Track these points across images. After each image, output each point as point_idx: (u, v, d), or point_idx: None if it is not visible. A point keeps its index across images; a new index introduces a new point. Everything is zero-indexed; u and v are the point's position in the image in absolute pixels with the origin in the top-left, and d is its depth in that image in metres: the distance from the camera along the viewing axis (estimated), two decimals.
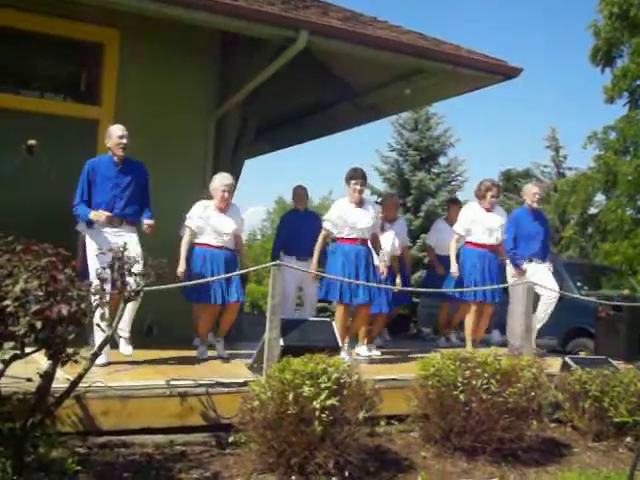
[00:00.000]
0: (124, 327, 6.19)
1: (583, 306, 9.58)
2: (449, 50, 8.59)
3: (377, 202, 9.49)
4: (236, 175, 9.19)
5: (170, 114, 8.38)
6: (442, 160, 25.31)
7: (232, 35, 8.07)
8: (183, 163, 8.44)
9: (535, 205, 8.51)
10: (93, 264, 6.08)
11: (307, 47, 7.54)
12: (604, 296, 9.75)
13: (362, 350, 7.88)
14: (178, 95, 8.52)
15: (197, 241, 6.91)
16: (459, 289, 7.99)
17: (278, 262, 5.89)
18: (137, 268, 4.72)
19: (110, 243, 6.06)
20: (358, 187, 7.16)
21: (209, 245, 6.87)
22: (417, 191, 23.47)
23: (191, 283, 6.47)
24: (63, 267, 4.04)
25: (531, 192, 8.52)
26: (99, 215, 6.23)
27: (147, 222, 6.46)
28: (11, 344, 3.88)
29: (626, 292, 10.15)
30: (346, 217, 7.10)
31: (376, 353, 8.01)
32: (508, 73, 8.93)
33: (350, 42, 7.76)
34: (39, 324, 3.75)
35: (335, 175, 68.70)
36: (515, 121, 78.84)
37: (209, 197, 7.10)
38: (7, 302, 3.74)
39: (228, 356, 6.96)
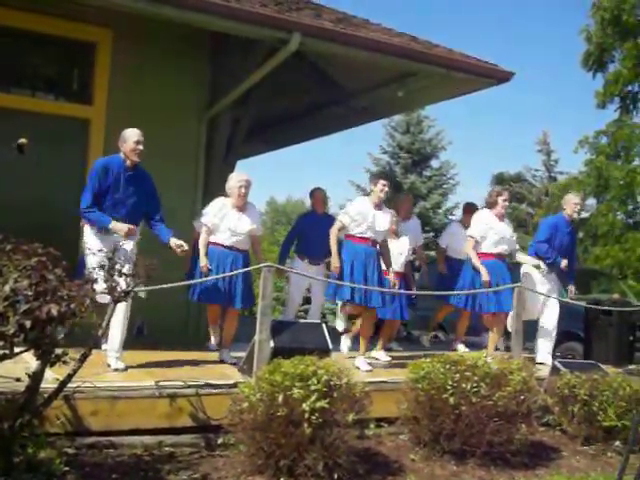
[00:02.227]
0: (114, 341, 6.09)
1: (573, 310, 9.59)
2: (441, 53, 8.61)
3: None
4: (228, 176, 9.19)
5: (161, 114, 8.35)
6: (434, 163, 25.46)
7: (225, 36, 8.06)
8: (174, 164, 8.41)
9: (575, 216, 8.41)
10: (90, 264, 6.02)
11: (299, 49, 7.55)
12: (594, 300, 9.77)
13: (381, 355, 7.91)
14: (170, 95, 8.50)
15: (210, 239, 6.83)
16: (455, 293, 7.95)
17: (269, 263, 5.89)
18: (126, 269, 4.70)
19: (108, 246, 5.93)
20: (385, 189, 7.14)
21: (219, 244, 6.79)
22: (409, 194, 23.55)
23: (185, 283, 6.49)
24: (53, 267, 4.03)
25: (572, 202, 8.39)
26: (121, 229, 6.06)
27: (176, 243, 6.19)
28: (0, 343, 3.87)
29: (616, 296, 10.17)
30: (367, 215, 7.05)
31: (386, 358, 7.98)
32: (500, 77, 8.95)
33: (342, 44, 7.77)
34: (28, 324, 3.74)
35: (329, 176, 68.72)
36: (507, 125, 79.19)
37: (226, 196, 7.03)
38: None
39: (236, 361, 6.70)
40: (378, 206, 7.16)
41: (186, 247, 6.23)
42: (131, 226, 6.14)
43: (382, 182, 7.15)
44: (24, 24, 7.73)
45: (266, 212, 58.02)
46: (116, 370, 6.02)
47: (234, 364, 6.66)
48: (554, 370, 6.85)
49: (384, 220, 7.17)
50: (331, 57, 8.64)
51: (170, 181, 8.14)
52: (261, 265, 5.86)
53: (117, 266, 4.60)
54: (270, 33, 7.44)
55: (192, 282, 6.58)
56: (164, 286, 5.42)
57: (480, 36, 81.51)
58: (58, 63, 8.43)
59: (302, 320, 7.76)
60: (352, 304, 7.09)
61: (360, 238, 7.06)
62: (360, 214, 7.05)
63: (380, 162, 25.28)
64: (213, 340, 7.31)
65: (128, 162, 6.28)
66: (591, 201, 21.38)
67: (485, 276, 7.67)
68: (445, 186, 25.02)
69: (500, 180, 30.84)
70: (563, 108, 73.23)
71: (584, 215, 21.69)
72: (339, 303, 8.05)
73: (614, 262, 18.38)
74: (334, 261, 6.96)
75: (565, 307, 9.44)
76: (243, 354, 6.09)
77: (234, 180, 6.91)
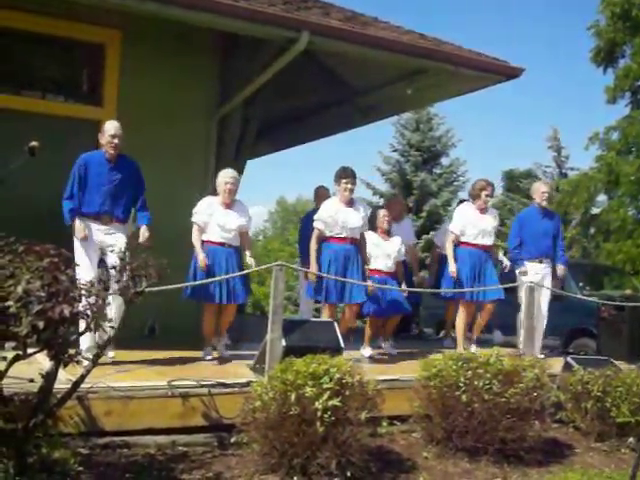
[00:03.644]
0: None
1: (585, 306, 9.57)
2: (450, 50, 8.59)
3: (380, 205, 9.48)
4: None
5: (171, 115, 8.37)
6: (444, 160, 25.43)
7: (233, 36, 8.07)
8: (184, 164, 8.44)
9: (544, 204, 8.49)
10: (78, 259, 6.04)
11: (308, 48, 7.55)
12: (606, 296, 9.74)
13: (366, 351, 7.89)
14: (179, 96, 8.51)
15: (203, 237, 6.86)
16: (454, 290, 7.91)
17: (281, 262, 5.89)
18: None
19: (98, 241, 6.22)
20: (349, 186, 7.13)
21: (211, 242, 6.81)
22: (419, 191, 23.56)
23: (191, 284, 6.51)
24: (65, 268, 4.04)
25: (540, 191, 8.49)
26: (80, 231, 6.20)
27: (144, 233, 6.39)
28: (13, 344, 3.88)
29: (628, 292, 10.14)
30: (337, 216, 7.06)
31: (393, 352, 8.04)
32: (510, 73, 8.93)
33: (351, 43, 7.76)
34: (41, 325, 3.75)
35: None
36: (517, 122, 78.96)
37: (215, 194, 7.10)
38: (9, 303, 3.75)
39: (228, 356, 6.93)
40: (348, 203, 7.16)
41: (147, 236, 6.35)
42: (87, 235, 6.22)
43: (343, 181, 7.14)
44: (33, 26, 7.76)
45: (276, 211, 58.09)
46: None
47: (228, 359, 6.84)
48: (567, 366, 6.83)
49: (356, 216, 7.15)
50: (340, 56, 8.63)
51: (180, 181, 8.18)
52: (272, 264, 5.86)
53: (129, 266, 4.60)
54: (279, 32, 7.44)
55: (197, 283, 6.59)
56: (169, 287, 5.42)
57: (486, 34, 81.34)
58: (68, 65, 8.45)
59: (313, 319, 7.74)
60: (329, 304, 7.10)
61: (338, 238, 7.08)
62: (331, 217, 7.07)
63: (390, 160, 25.25)
64: (206, 348, 7.07)
65: (107, 155, 6.36)
66: (602, 197, 21.32)
67: (452, 267, 7.80)
68: (455, 183, 24.98)
69: (510, 177, 30.71)
70: (573, 104, 73.10)
71: (595, 211, 21.65)
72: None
73: (626, 258, 18.33)
74: (312, 268, 7.00)
75: (577, 303, 9.44)
76: (255, 353, 6.09)
77: (220, 177, 6.97)
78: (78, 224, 6.23)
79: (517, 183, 29.58)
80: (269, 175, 61.08)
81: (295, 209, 57.23)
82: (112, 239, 6.24)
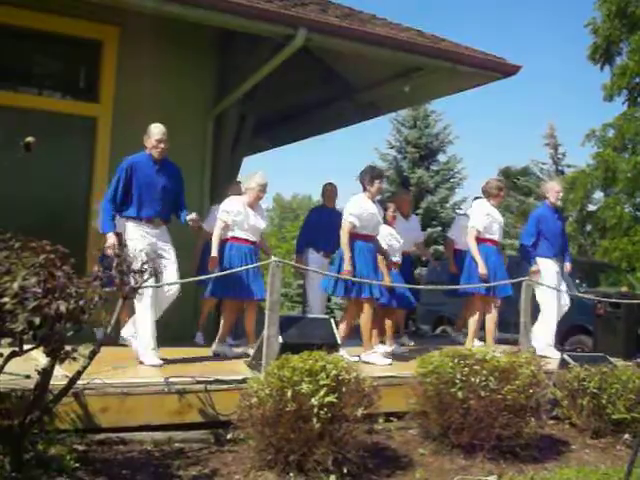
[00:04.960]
0: (143, 338, 6.17)
1: (581, 303, 9.57)
2: (448, 47, 8.59)
3: (386, 199, 9.52)
4: (235, 173, 9.20)
5: (168, 112, 8.34)
6: (441, 157, 25.36)
7: (231, 32, 8.06)
8: (181, 161, 8.35)
9: (559, 203, 8.60)
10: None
11: (306, 44, 7.55)
12: (602, 293, 9.75)
13: (396, 348, 7.99)
14: (176, 92, 8.51)
15: (234, 235, 6.93)
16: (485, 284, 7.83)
17: (278, 259, 5.88)
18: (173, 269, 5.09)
19: (148, 243, 6.13)
20: (383, 186, 7.33)
21: (247, 241, 6.94)
22: (416, 188, 23.51)
23: (190, 280, 6.52)
24: (61, 264, 4.04)
25: (554, 190, 8.53)
26: (109, 241, 6.08)
27: (190, 217, 6.32)
28: (9, 341, 3.88)
29: (624, 289, 10.15)
30: (374, 214, 7.14)
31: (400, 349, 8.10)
32: (507, 71, 8.93)
33: (348, 39, 7.77)
34: (37, 321, 3.75)
35: (334, 172, 68.72)
36: (514, 119, 78.97)
37: (239, 193, 7.18)
38: (5, 299, 3.74)
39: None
40: (373, 202, 7.26)
41: (194, 216, 6.33)
42: (117, 245, 6.00)
43: (377, 181, 7.19)
44: (31, 23, 7.75)
45: (273, 208, 58.08)
46: (153, 366, 6.11)
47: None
48: (563, 363, 6.83)
49: (380, 214, 7.35)
50: (337, 52, 8.63)
51: None
52: (270, 260, 5.86)
53: (126, 263, 4.60)
54: (276, 29, 7.44)
55: (214, 275, 6.64)
56: (187, 280, 5.44)
57: (484, 31, 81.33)
58: (65, 61, 8.46)
59: (310, 315, 7.74)
60: (371, 301, 7.10)
61: (369, 235, 7.13)
62: (370, 214, 7.10)
63: (387, 157, 25.22)
64: (224, 346, 7.16)
65: (153, 158, 6.36)
66: (599, 194, 21.35)
67: (482, 269, 7.71)
68: (452, 180, 24.94)
69: (507, 174, 30.70)
70: (570, 101, 73.09)
71: (592, 208, 21.67)
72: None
73: (622, 255, 18.35)
74: (347, 265, 6.90)
75: (573, 300, 9.43)
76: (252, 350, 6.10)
77: (255, 182, 7.05)
78: (114, 239, 6.10)
79: (514, 180, 29.59)
80: (266, 172, 60.94)
81: (291, 206, 57.29)
82: (164, 246, 6.26)
